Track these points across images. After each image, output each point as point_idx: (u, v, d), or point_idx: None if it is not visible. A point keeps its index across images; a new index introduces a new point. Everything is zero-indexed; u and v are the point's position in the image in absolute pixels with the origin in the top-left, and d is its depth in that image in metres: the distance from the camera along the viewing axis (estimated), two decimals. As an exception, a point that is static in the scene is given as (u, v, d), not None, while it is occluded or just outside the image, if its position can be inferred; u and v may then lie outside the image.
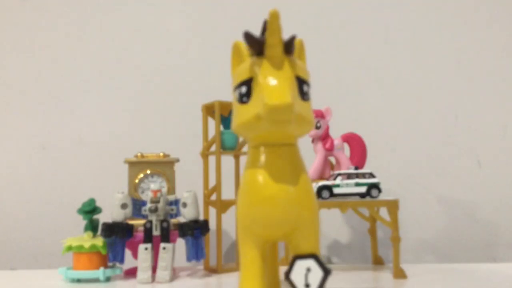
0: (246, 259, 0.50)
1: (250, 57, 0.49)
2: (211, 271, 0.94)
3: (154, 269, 0.84)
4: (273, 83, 0.45)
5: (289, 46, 0.47)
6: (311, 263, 0.46)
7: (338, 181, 0.87)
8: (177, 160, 0.98)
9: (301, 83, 0.47)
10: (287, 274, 0.46)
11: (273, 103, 0.43)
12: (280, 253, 0.87)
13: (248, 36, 0.46)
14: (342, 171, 0.88)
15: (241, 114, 0.47)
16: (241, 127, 0.48)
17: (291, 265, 0.46)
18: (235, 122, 0.49)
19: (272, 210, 0.48)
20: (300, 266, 0.46)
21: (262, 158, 0.48)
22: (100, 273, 0.84)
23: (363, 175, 0.87)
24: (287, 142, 0.49)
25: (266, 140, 0.49)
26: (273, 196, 0.47)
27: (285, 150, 0.49)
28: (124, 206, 0.86)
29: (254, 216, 0.49)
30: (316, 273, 0.46)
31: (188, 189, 0.89)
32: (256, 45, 0.46)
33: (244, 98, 0.47)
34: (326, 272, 0.46)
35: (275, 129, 0.46)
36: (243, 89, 0.47)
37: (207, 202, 0.96)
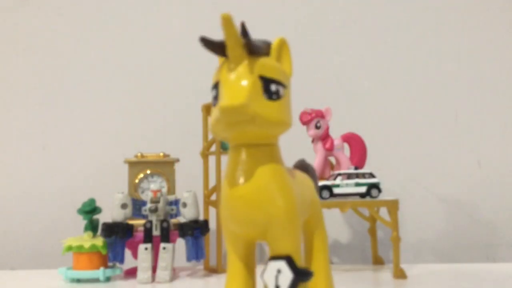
0: (228, 260, 0.51)
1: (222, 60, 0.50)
2: (211, 271, 0.94)
3: (154, 269, 0.84)
4: (229, 84, 0.45)
5: (249, 47, 0.47)
6: (281, 264, 0.46)
7: (338, 181, 0.87)
8: (177, 160, 0.98)
9: (268, 83, 0.47)
10: (261, 274, 0.47)
11: (225, 104, 0.43)
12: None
13: (205, 41, 0.47)
14: (342, 171, 0.88)
15: (212, 117, 0.48)
16: (212, 130, 0.49)
17: (266, 266, 0.46)
18: (209, 125, 0.50)
19: (243, 209, 0.48)
20: (272, 267, 0.46)
21: (237, 158, 0.49)
22: (100, 273, 0.84)
23: (363, 175, 0.87)
24: (263, 142, 0.49)
25: (239, 141, 0.49)
26: (243, 195, 0.47)
27: (261, 150, 0.49)
28: (124, 206, 0.86)
29: (229, 215, 0.49)
30: (286, 275, 0.46)
31: (188, 189, 0.89)
32: (216, 48, 0.47)
33: (214, 101, 0.48)
34: (298, 275, 0.46)
35: (230, 130, 0.46)
36: (214, 92, 0.48)
37: (207, 202, 0.96)
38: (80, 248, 0.85)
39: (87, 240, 0.86)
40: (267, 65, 0.48)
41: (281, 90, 0.48)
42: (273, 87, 0.47)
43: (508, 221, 1.12)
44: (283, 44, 0.51)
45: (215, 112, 0.47)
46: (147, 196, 0.90)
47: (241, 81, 0.45)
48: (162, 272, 0.83)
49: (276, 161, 0.50)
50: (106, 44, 1.20)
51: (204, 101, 0.97)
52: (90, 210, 0.88)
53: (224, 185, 0.49)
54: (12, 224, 1.15)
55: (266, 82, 0.47)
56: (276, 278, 0.46)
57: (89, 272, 0.85)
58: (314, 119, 0.92)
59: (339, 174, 0.88)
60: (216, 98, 0.47)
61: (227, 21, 0.45)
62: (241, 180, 0.48)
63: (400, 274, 0.82)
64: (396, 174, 1.12)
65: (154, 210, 0.85)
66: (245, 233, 0.50)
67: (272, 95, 0.47)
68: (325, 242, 0.58)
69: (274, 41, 0.50)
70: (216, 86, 0.48)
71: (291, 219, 0.49)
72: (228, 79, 0.46)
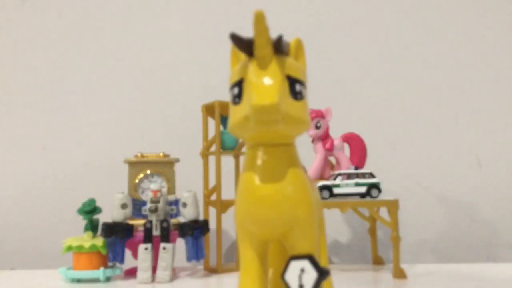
0: (243, 260, 0.50)
1: (245, 58, 0.49)
2: (211, 271, 0.94)
3: (154, 269, 0.84)
4: (259, 84, 0.45)
5: (277, 46, 0.47)
6: (305, 263, 0.46)
7: (338, 181, 0.87)
8: (177, 160, 0.98)
9: (293, 83, 0.47)
10: (282, 274, 0.46)
11: (258, 103, 0.43)
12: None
13: (234, 38, 0.46)
14: (342, 171, 0.88)
15: (233, 115, 0.48)
16: (234, 128, 0.48)
17: (286, 266, 0.46)
18: (229, 123, 0.49)
19: (266, 210, 0.48)
20: (295, 266, 0.46)
21: (257, 158, 0.49)
22: (100, 273, 0.84)
23: (363, 175, 0.87)
24: (283, 142, 0.49)
25: (261, 140, 0.49)
26: (267, 195, 0.47)
27: (281, 150, 0.49)
28: (124, 206, 0.86)
29: (249, 216, 0.49)
30: (310, 274, 0.45)
31: (188, 189, 0.89)
32: (244, 46, 0.47)
33: (236, 99, 0.47)
34: (321, 273, 0.46)
35: (261, 129, 0.46)
36: (235, 90, 0.47)
37: (207, 202, 0.96)
38: (80, 248, 0.85)
39: (87, 240, 0.86)
40: (292, 65, 0.48)
41: (303, 90, 0.48)
42: (297, 87, 0.48)
43: (508, 221, 1.12)
44: (299, 44, 0.51)
45: (240, 110, 0.46)
46: (147, 196, 0.90)
47: (271, 81, 0.45)
48: (162, 272, 0.83)
49: (297, 161, 0.50)
50: (106, 44, 1.20)
51: (204, 101, 0.97)
52: (90, 210, 0.88)
53: (245, 185, 0.49)
54: (12, 224, 1.15)
55: (292, 82, 0.47)
56: (300, 277, 0.46)
57: (89, 272, 0.85)
58: (314, 119, 0.92)
59: (339, 174, 0.88)
60: (238, 96, 0.47)
61: (260, 18, 0.44)
62: (267, 180, 0.48)
63: (400, 274, 0.82)
64: (396, 174, 1.12)
65: (154, 210, 0.85)
66: (265, 233, 0.49)
67: (297, 95, 0.47)
68: (325, 243, 0.58)
69: (292, 41, 0.50)
70: (238, 84, 0.47)
71: (312, 218, 0.50)
72: (256, 78, 0.45)
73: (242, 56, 0.49)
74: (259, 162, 0.48)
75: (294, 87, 0.47)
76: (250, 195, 0.48)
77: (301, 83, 0.48)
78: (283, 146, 0.49)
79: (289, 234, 0.49)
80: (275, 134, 0.47)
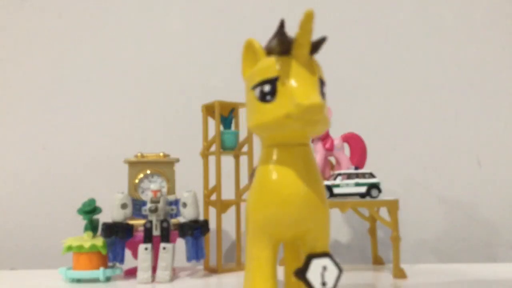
0: (258, 260, 0.50)
1: (266, 55, 0.49)
2: (211, 271, 0.94)
3: (154, 269, 0.84)
4: (304, 83, 0.45)
5: (316, 47, 0.47)
6: (327, 261, 0.46)
7: (338, 181, 0.87)
8: (177, 160, 0.98)
9: (322, 84, 0.48)
10: (303, 273, 0.46)
11: (307, 103, 0.43)
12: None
13: (281, 34, 0.46)
14: (342, 171, 0.88)
15: (263, 113, 0.47)
16: (264, 126, 0.48)
17: (307, 264, 0.46)
18: (255, 120, 0.48)
19: (288, 210, 0.48)
20: (317, 264, 0.46)
21: (278, 157, 0.49)
22: (100, 273, 0.84)
23: (363, 175, 0.87)
24: (302, 142, 0.50)
25: (282, 140, 0.49)
26: (290, 195, 0.47)
27: (300, 150, 0.49)
28: (124, 206, 0.86)
29: (270, 215, 0.49)
30: (332, 271, 0.46)
31: (188, 189, 0.89)
32: (286, 43, 0.47)
33: (268, 96, 0.47)
34: (340, 270, 0.47)
35: (306, 128, 0.46)
36: (267, 88, 0.47)
37: (207, 202, 0.96)
38: (80, 248, 0.84)
39: (87, 240, 0.86)
40: (320, 67, 0.49)
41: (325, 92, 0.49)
42: (324, 89, 0.48)
43: (508, 221, 1.12)
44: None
45: (274, 108, 0.46)
46: (147, 196, 0.90)
47: (313, 81, 0.46)
48: (162, 272, 0.83)
49: (314, 161, 0.50)
50: (106, 44, 1.20)
51: (204, 101, 0.97)
52: (90, 210, 0.88)
53: (267, 185, 0.49)
54: (12, 224, 1.15)
55: (321, 83, 0.48)
56: (322, 275, 0.46)
57: (89, 272, 0.85)
58: (314, 119, 0.92)
59: (339, 174, 0.88)
60: (270, 94, 0.47)
61: (309, 18, 0.44)
62: (291, 180, 0.48)
63: (400, 274, 0.82)
64: (396, 174, 1.12)
65: (154, 210, 0.85)
66: (287, 233, 0.49)
67: (324, 96, 0.48)
68: None
69: None
70: (269, 81, 0.47)
71: (328, 217, 0.50)
72: (299, 77, 0.45)
73: (259, 54, 0.49)
74: (280, 161, 0.48)
75: (323, 88, 0.48)
76: (270, 195, 0.48)
77: (325, 85, 0.49)
78: (301, 146, 0.50)
79: (307, 233, 0.49)
80: (303, 134, 0.48)
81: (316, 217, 0.49)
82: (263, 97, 0.47)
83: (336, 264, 0.46)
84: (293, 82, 0.45)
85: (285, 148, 0.49)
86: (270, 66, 0.47)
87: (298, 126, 0.45)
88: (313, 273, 0.46)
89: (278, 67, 0.47)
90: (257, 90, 0.47)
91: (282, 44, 0.46)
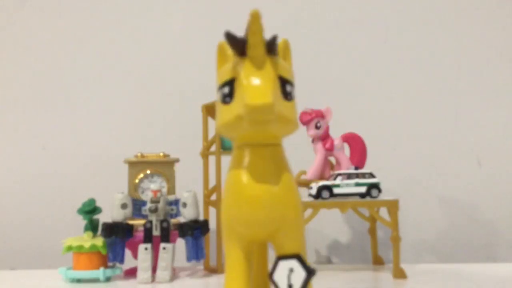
0: (230, 260, 0.50)
1: (234, 58, 0.49)
2: (211, 271, 0.94)
3: (154, 269, 0.84)
4: (254, 83, 0.45)
5: (271, 46, 0.47)
6: (293, 263, 0.46)
7: (338, 181, 0.87)
8: (177, 160, 0.98)
9: (284, 83, 0.47)
10: (271, 274, 0.46)
11: (253, 103, 0.43)
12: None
13: (229, 36, 0.46)
14: (342, 171, 0.88)
15: (223, 115, 0.47)
16: (224, 128, 0.48)
17: (274, 266, 0.46)
18: (217, 122, 0.49)
19: (255, 210, 0.48)
20: (283, 266, 0.46)
21: (245, 158, 0.48)
22: (100, 273, 0.84)
23: (363, 175, 0.87)
24: (271, 142, 0.49)
25: (250, 140, 0.48)
26: (256, 196, 0.47)
27: (269, 150, 0.49)
28: (124, 206, 0.86)
29: (237, 216, 0.49)
30: (299, 274, 0.46)
31: (188, 189, 0.89)
32: (238, 45, 0.47)
33: (227, 98, 0.47)
34: (309, 273, 0.46)
35: (255, 129, 0.46)
36: (226, 90, 0.47)
37: (207, 202, 0.96)
38: (80, 248, 0.85)
39: (87, 240, 0.86)
40: (283, 66, 0.48)
41: (293, 91, 0.48)
42: (288, 88, 0.48)
43: (508, 221, 1.12)
44: (287, 45, 0.51)
45: (231, 109, 0.46)
46: (147, 196, 0.90)
47: (265, 80, 0.45)
48: (162, 272, 0.83)
49: (285, 161, 0.50)
50: (106, 44, 1.20)
51: (204, 101, 0.97)
52: (90, 210, 0.88)
53: (233, 185, 0.49)
54: (12, 224, 1.15)
55: (283, 82, 0.47)
56: (288, 277, 0.46)
57: (89, 272, 0.85)
58: (314, 119, 0.92)
59: (339, 174, 0.88)
60: (229, 95, 0.47)
61: (256, 18, 0.44)
62: (255, 180, 0.47)
63: (400, 274, 0.82)
64: (396, 174, 1.12)
65: (154, 210, 0.85)
66: (253, 233, 0.49)
67: (287, 96, 0.47)
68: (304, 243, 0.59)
69: (279, 42, 0.50)
70: (228, 83, 0.47)
71: (300, 218, 0.50)
72: (250, 78, 0.45)
73: (229, 56, 0.50)
74: (247, 162, 0.48)
75: (285, 87, 0.47)
76: (238, 195, 0.48)
77: (291, 83, 0.48)
78: (271, 146, 0.49)
79: (276, 234, 0.49)
80: (266, 134, 0.47)
81: (286, 218, 0.48)
82: (224, 99, 0.47)
83: (305, 266, 0.46)
84: (245, 83, 0.45)
85: (253, 149, 0.49)
86: (229, 68, 0.48)
87: (247, 127, 0.45)
88: (280, 275, 0.46)
89: (235, 69, 0.47)
90: (220, 92, 0.48)
91: (234, 47, 0.47)
